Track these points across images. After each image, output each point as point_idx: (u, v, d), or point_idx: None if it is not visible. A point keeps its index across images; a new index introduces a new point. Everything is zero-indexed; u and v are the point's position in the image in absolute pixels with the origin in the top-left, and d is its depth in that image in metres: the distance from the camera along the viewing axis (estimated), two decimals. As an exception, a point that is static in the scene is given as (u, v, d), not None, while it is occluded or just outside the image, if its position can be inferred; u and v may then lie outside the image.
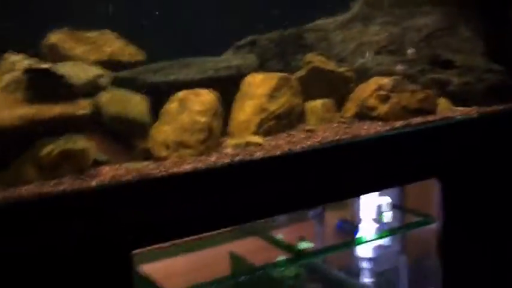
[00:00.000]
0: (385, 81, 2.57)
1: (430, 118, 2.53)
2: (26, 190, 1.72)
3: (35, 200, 1.68)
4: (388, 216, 2.76)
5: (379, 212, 2.77)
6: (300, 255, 2.43)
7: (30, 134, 1.82)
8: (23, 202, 1.67)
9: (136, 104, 2.09)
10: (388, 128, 2.40)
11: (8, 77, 2.02)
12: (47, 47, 2.20)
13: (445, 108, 2.65)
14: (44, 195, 1.70)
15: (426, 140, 2.47)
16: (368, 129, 2.39)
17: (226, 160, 2.02)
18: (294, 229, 3.05)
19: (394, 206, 2.79)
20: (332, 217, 3.09)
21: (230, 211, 2.01)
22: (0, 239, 1.62)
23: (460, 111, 2.63)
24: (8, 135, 1.78)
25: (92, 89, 2.04)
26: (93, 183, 1.78)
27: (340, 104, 2.59)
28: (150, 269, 2.24)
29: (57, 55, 2.16)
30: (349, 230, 2.95)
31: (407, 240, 2.84)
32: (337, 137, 2.29)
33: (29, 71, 1.92)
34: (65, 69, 1.97)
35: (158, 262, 2.35)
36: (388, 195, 2.88)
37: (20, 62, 2.07)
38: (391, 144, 2.39)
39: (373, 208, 2.75)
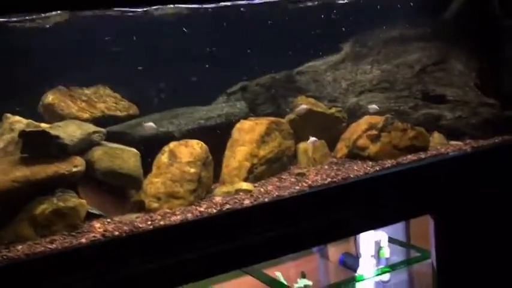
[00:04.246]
0: (376, 120, 2.63)
1: (422, 155, 2.58)
2: (20, 250, 1.82)
3: (27, 260, 1.78)
4: (386, 252, 2.80)
5: (378, 248, 2.81)
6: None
7: (25, 195, 1.92)
8: (16, 262, 1.77)
9: (128, 158, 2.18)
10: (378, 168, 2.45)
11: (6, 138, 2.15)
12: (43, 107, 2.31)
13: (438, 144, 2.69)
14: (36, 255, 1.80)
15: (418, 177, 2.50)
16: (358, 170, 2.44)
17: (215, 209, 2.10)
18: (298, 263, 3.10)
19: (393, 242, 2.83)
20: (335, 251, 3.13)
21: (220, 259, 2.07)
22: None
23: (453, 147, 2.67)
24: (3, 197, 1.88)
25: (85, 145, 2.13)
26: (84, 239, 1.88)
27: (332, 144, 2.65)
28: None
29: (54, 114, 2.27)
30: (351, 264, 2.99)
31: (409, 275, 2.87)
32: (328, 180, 2.35)
33: (23, 133, 2.03)
34: (58, 129, 2.08)
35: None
36: (393, 231, 2.92)
37: (18, 123, 2.19)
38: (382, 183, 2.43)
39: (371, 244, 2.80)
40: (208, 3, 2.38)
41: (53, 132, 2.04)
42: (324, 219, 2.28)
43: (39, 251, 1.83)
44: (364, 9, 2.85)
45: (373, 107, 2.66)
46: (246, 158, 2.37)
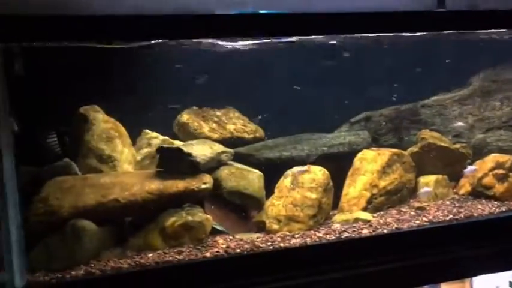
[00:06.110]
0: (504, 159, 2.54)
1: (554, 200, 2.45)
2: (151, 258, 1.96)
3: (157, 268, 1.91)
4: (507, 298, 2.66)
5: (498, 292, 2.69)
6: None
7: (157, 206, 2.07)
8: (147, 269, 1.91)
9: (252, 179, 2.28)
10: (504, 208, 2.36)
11: (143, 152, 2.33)
12: (178, 125, 2.48)
13: None
14: (165, 264, 1.93)
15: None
16: (482, 209, 2.37)
17: (333, 236, 2.13)
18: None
19: (514, 287, 2.68)
20: (449, 289, 3.02)
21: (334, 286, 2.09)
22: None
23: None
24: (138, 207, 2.04)
25: (214, 164, 2.26)
26: (208, 253, 1.98)
27: (454, 180, 2.59)
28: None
29: (187, 132, 2.43)
30: (466, 307, 2.87)
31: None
32: (449, 217, 2.30)
33: (161, 149, 2.19)
34: (191, 147, 2.21)
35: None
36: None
37: (155, 138, 2.36)
38: (508, 225, 2.32)
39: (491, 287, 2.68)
40: (339, 35, 2.42)
41: (187, 149, 2.18)
42: (443, 256, 2.23)
43: (168, 261, 1.96)
44: (496, 44, 2.77)
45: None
46: (366, 187, 2.38)
